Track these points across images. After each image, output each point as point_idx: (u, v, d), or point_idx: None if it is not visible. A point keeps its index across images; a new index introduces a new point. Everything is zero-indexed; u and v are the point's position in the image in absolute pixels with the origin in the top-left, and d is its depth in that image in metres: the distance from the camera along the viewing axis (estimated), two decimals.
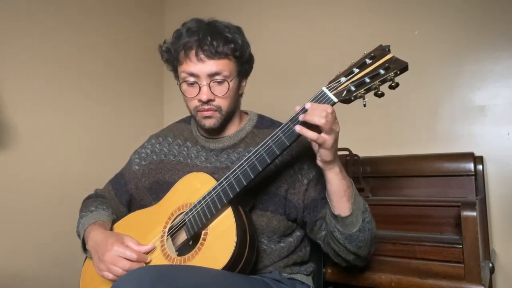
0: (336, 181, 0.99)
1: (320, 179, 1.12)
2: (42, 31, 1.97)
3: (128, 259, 1.04)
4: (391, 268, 1.37)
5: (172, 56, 1.15)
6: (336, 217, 1.01)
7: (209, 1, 2.57)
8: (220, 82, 1.11)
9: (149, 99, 2.61)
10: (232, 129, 1.22)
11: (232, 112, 1.19)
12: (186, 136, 1.30)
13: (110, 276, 1.05)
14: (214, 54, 1.08)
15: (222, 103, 1.13)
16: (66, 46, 2.07)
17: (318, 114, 0.91)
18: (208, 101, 1.11)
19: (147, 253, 1.10)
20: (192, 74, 1.11)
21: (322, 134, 0.92)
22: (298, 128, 0.93)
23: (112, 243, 1.07)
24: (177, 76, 1.20)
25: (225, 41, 1.09)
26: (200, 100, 1.11)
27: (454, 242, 1.29)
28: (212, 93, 1.11)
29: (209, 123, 1.14)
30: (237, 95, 1.20)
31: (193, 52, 1.09)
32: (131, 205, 1.38)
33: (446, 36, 1.85)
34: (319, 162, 0.98)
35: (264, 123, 1.24)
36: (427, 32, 1.88)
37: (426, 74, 1.86)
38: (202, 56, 1.08)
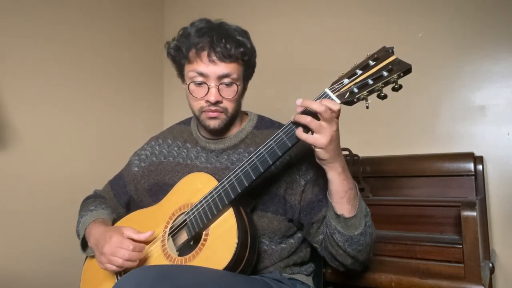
0: (337, 181, 0.98)
1: (318, 181, 1.12)
2: (42, 30, 1.96)
3: (126, 249, 1.04)
4: (391, 268, 1.37)
5: (182, 55, 1.14)
6: (338, 217, 1.00)
7: (210, 0, 2.57)
8: (228, 85, 1.11)
9: (149, 99, 2.60)
10: (233, 130, 1.22)
11: (236, 114, 1.19)
12: (186, 138, 1.30)
13: (113, 268, 1.06)
14: (227, 57, 1.08)
15: (229, 105, 1.14)
16: (66, 46, 2.06)
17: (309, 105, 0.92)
18: (216, 103, 1.11)
19: (147, 241, 1.10)
20: (201, 74, 1.10)
21: (314, 134, 0.92)
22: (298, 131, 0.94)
23: (111, 235, 1.07)
24: (181, 74, 1.20)
25: (237, 44, 1.10)
26: (207, 101, 1.11)
27: (454, 242, 1.30)
28: (220, 95, 1.11)
29: (213, 124, 1.14)
30: (241, 98, 1.21)
31: (205, 53, 1.09)
32: (130, 206, 1.38)
33: (446, 36, 1.85)
34: (317, 159, 0.98)
35: (264, 124, 1.24)
36: (427, 32, 1.88)
37: (426, 74, 1.86)
38: (214, 58, 1.08)
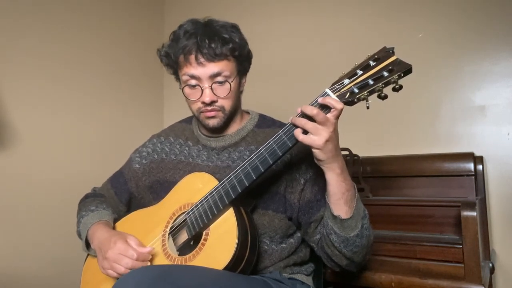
0: (335, 182, 0.98)
1: (318, 181, 1.12)
2: (42, 30, 1.96)
3: (129, 258, 1.03)
4: (391, 268, 1.37)
5: (172, 60, 1.15)
6: (335, 218, 1.00)
7: (210, 0, 2.56)
8: (221, 83, 1.11)
9: (149, 99, 2.61)
10: (234, 128, 1.22)
11: (234, 111, 1.19)
12: (188, 136, 1.30)
13: (115, 274, 1.05)
14: (214, 57, 1.08)
15: (225, 103, 1.14)
16: (66, 46, 2.06)
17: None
18: (211, 103, 1.12)
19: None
20: (193, 77, 1.11)
21: (311, 135, 0.92)
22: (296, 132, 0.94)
23: (115, 241, 1.07)
24: (178, 78, 1.21)
25: (223, 42, 1.09)
26: (203, 102, 1.12)
27: (454, 242, 1.30)
28: (215, 94, 1.11)
29: (212, 122, 1.15)
30: (238, 94, 1.21)
31: (192, 56, 1.09)
32: (131, 204, 1.38)
33: (446, 36, 1.85)
34: (315, 160, 0.98)
35: (265, 123, 1.24)
36: (427, 32, 1.88)
37: (427, 74, 1.86)
38: (202, 59, 1.08)
